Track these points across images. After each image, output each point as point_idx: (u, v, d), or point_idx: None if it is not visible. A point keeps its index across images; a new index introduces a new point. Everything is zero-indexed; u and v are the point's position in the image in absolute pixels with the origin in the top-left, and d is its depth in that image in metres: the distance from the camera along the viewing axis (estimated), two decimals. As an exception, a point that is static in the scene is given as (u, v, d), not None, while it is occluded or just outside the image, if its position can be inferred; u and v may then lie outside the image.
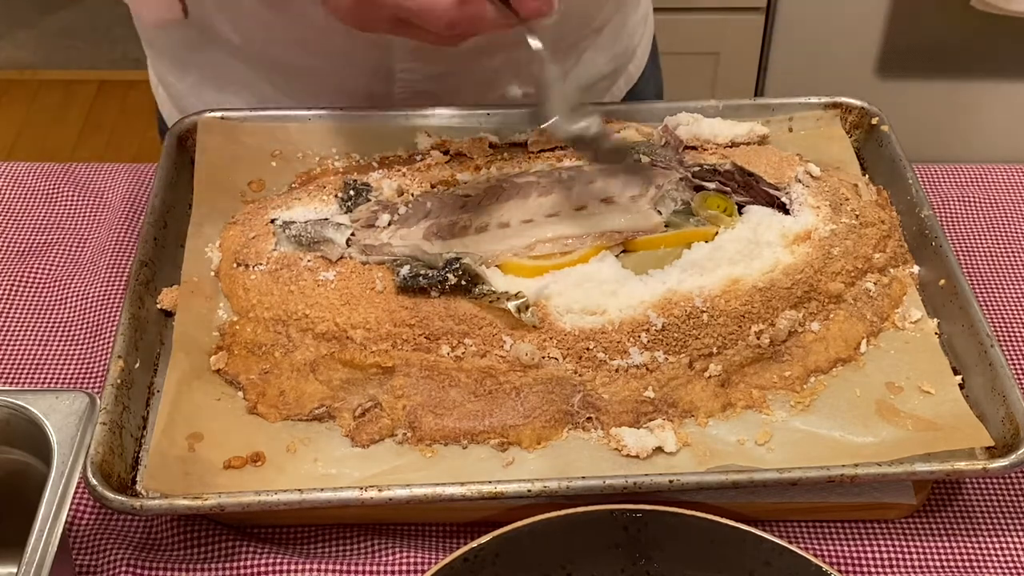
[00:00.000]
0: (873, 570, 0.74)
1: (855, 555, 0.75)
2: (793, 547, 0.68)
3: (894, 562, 0.75)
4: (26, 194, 1.01)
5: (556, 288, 0.80)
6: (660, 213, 0.86)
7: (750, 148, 0.93)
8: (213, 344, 0.81)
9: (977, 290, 0.88)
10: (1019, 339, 0.89)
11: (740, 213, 0.87)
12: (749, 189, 0.88)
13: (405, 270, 0.80)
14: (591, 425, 0.76)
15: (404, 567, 0.73)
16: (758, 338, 0.79)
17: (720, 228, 0.85)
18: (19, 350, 0.88)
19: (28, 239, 0.97)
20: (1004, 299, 0.92)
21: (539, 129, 0.90)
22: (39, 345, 0.88)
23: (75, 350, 0.88)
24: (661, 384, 0.77)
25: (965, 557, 0.75)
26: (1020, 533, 0.76)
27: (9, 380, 0.85)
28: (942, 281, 0.84)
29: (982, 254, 0.96)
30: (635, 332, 0.78)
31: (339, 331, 0.79)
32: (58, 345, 0.88)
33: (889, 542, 0.76)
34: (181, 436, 0.75)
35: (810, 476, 0.71)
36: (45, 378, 0.86)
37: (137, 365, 0.78)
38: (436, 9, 0.72)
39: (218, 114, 0.95)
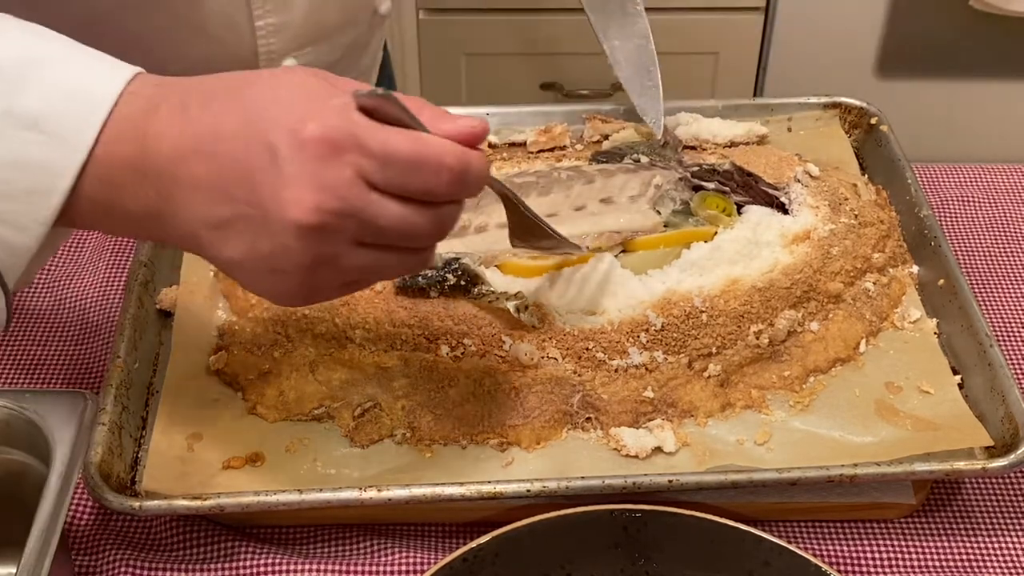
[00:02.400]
0: (872, 570, 0.74)
1: (854, 555, 0.75)
2: (792, 547, 0.68)
3: (893, 562, 0.75)
4: (25, 194, 1.01)
5: (556, 288, 0.80)
6: (659, 213, 0.86)
7: (749, 148, 0.93)
8: (212, 344, 0.81)
9: (976, 290, 0.88)
10: (1018, 339, 0.89)
11: (739, 213, 0.87)
12: (748, 189, 0.88)
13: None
14: (590, 425, 0.76)
15: (403, 567, 0.73)
16: (757, 338, 0.79)
17: (719, 228, 0.85)
18: (18, 350, 0.88)
19: (27, 239, 0.97)
20: (1003, 299, 0.92)
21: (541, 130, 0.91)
22: (38, 345, 0.88)
23: (74, 350, 0.88)
24: (660, 384, 0.77)
25: (964, 557, 0.75)
26: (1019, 533, 0.76)
27: (8, 381, 0.85)
28: (941, 281, 0.84)
29: (981, 254, 0.96)
30: (634, 332, 0.78)
31: (338, 331, 0.79)
32: (57, 345, 0.88)
33: (888, 542, 0.76)
34: (180, 436, 0.75)
35: (809, 476, 0.71)
36: (44, 378, 0.86)
37: (136, 365, 0.78)
38: (443, 155, 0.58)
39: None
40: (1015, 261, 0.96)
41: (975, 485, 0.79)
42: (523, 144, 0.95)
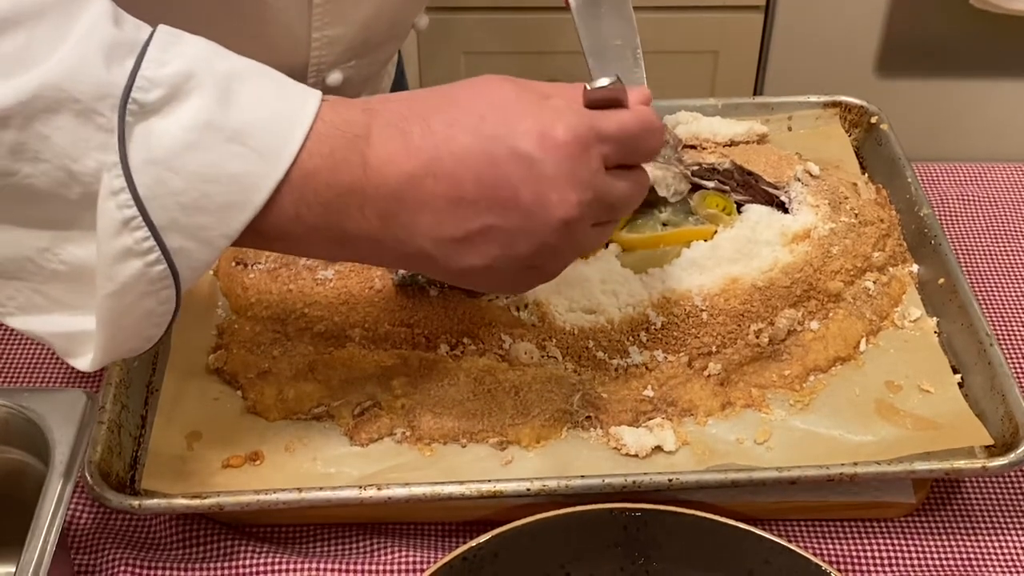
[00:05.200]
0: (872, 569, 0.74)
1: (854, 554, 0.75)
2: (792, 546, 0.68)
3: (893, 561, 0.75)
4: (25, 193, 1.01)
5: (555, 286, 0.79)
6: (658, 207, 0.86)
7: (749, 147, 0.93)
8: (212, 343, 0.81)
9: (976, 289, 0.88)
10: (1018, 337, 0.89)
11: (739, 212, 0.87)
12: (748, 188, 0.88)
13: (404, 269, 0.80)
14: (590, 424, 0.76)
15: (403, 566, 0.73)
16: (757, 337, 0.79)
17: (719, 227, 0.85)
18: (17, 349, 0.88)
19: (27, 238, 0.97)
20: (1003, 297, 0.92)
21: None
22: (37, 344, 0.88)
23: (74, 349, 0.88)
24: (660, 383, 0.77)
25: (964, 556, 0.75)
26: (1019, 532, 0.76)
27: (7, 379, 0.85)
28: (941, 280, 0.84)
29: (981, 252, 0.96)
30: (634, 331, 0.78)
31: (338, 330, 0.78)
32: (57, 344, 0.88)
33: (888, 541, 0.76)
34: (180, 435, 0.75)
35: (809, 475, 0.71)
36: (43, 377, 0.86)
37: (136, 364, 0.78)
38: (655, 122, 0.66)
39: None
40: (1015, 260, 0.96)
41: (975, 484, 0.79)
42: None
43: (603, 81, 0.63)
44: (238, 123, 0.58)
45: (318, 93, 0.61)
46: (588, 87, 0.63)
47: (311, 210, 0.60)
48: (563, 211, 0.61)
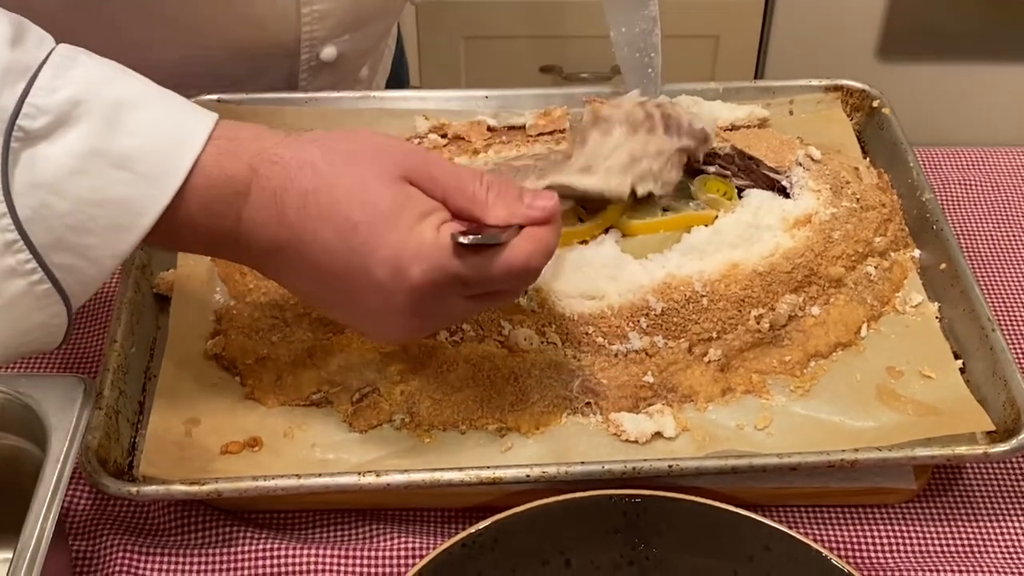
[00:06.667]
0: (873, 555, 0.74)
1: (855, 540, 0.75)
2: (793, 532, 0.68)
3: (894, 547, 0.75)
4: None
5: (555, 272, 0.79)
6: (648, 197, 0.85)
7: (750, 131, 0.93)
8: (210, 329, 0.80)
9: (978, 274, 0.88)
10: (1020, 323, 0.89)
11: (740, 197, 0.87)
12: (749, 173, 0.88)
13: None
14: (590, 410, 0.76)
15: (402, 552, 0.73)
16: (758, 322, 0.78)
17: (720, 212, 0.84)
18: (15, 335, 0.87)
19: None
20: (1005, 283, 0.92)
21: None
22: (35, 330, 0.87)
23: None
24: (660, 369, 0.76)
25: (965, 542, 0.75)
26: (1020, 518, 0.76)
27: (4, 365, 0.85)
28: (943, 265, 0.83)
29: (983, 237, 0.96)
30: (634, 317, 0.77)
31: (336, 316, 0.78)
32: (54, 330, 0.88)
33: (889, 527, 0.76)
34: (178, 421, 0.75)
35: (810, 461, 0.71)
36: (40, 363, 0.85)
37: (133, 350, 0.78)
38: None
39: (214, 96, 0.94)
40: (1017, 245, 0.95)
41: (976, 470, 0.79)
42: (522, 128, 0.94)
43: (469, 237, 0.62)
44: (124, 149, 0.60)
45: (211, 117, 0.64)
46: (457, 238, 0.62)
47: (193, 234, 0.64)
48: (403, 333, 0.68)
